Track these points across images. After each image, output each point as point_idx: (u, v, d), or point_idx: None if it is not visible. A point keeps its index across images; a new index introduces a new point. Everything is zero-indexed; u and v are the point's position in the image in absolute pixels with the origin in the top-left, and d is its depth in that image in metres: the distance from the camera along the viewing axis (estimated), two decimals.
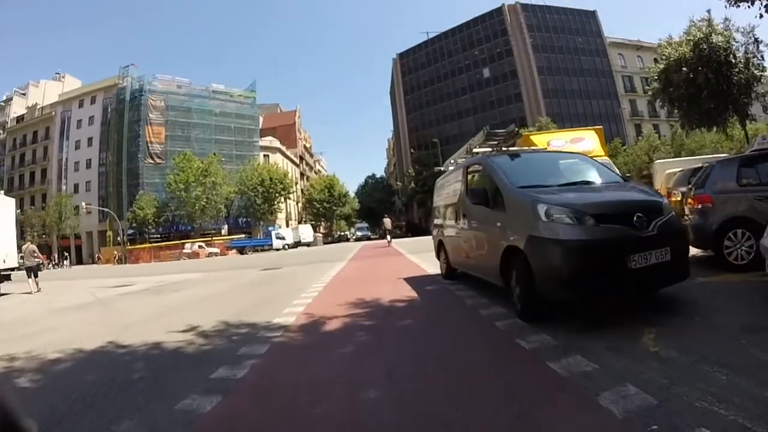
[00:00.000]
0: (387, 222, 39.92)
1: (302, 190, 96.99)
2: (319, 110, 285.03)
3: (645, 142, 67.52)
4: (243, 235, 62.92)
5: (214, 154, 68.54)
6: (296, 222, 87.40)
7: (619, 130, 77.56)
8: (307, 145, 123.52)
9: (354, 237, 76.18)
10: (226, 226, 70.25)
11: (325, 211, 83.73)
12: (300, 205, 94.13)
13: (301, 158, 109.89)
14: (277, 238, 56.33)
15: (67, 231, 74.25)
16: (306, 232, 66.52)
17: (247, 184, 68.52)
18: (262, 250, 55.46)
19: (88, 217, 74.78)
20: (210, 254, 57.41)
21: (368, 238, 65.01)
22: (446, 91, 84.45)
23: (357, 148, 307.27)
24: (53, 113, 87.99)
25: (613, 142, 68.08)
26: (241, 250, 54.37)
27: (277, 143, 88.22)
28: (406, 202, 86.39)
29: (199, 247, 59.14)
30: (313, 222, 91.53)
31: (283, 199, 73.93)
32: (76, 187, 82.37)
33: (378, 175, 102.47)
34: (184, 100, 79.19)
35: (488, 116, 77.73)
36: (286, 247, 56.50)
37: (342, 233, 78.74)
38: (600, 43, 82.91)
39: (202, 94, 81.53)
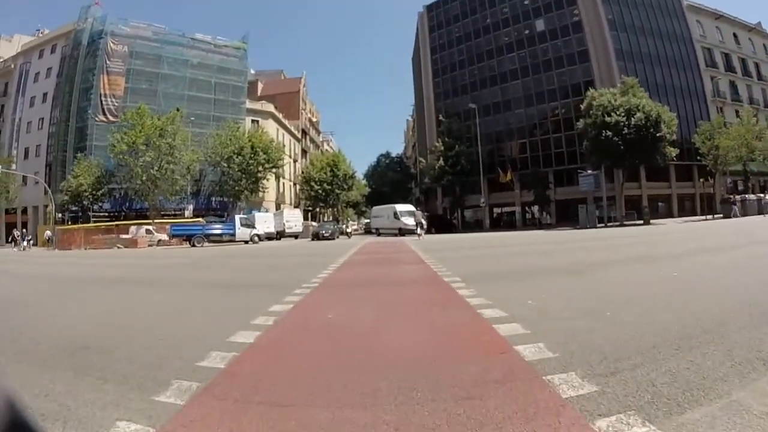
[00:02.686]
0: (418, 214, 37.63)
1: (303, 170, 79.75)
2: (332, 90, 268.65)
3: (746, 124, 50.62)
4: (202, 219, 46.15)
5: (177, 110, 51.90)
6: (293, 207, 70.55)
7: (701, 110, 60.89)
8: (314, 120, 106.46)
9: (375, 229, 51.81)
10: (191, 206, 53.39)
11: (326, 195, 66.55)
12: (298, 186, 76.92)
13: (305, 133, 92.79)
14: (243, 225, 39.17)
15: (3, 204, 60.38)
16: (293, 219, 49.39)
17: (221, 152, 51.81)
18: (221, 241, 38.80)
19: (35, 188, 60.24)
20: (158, 242, 41.92)
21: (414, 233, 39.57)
22: (485, 48, 66.39)
23: (371, 133, 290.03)
24: (12, 66, 73.81)
25: (712, 123, 52.06)
26: (190, 240, 37.63)
27: (270, 107, 71.06)
28: (427, 188, 68.46)
29: (147, 231, 43.95)
30: (311, 208, 74.52)
31: (269, 175, 57.17)
32: (26, 151, 68.59)
33: (394, 154, 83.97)
34: (154, 47, 62.91)
35: (542, 79, 60.52)
36: (257, 239, 39.49)
37: (325, 226, 49.20)
38: (677, 2, 65.27)
39: (178, 40, 64.79)
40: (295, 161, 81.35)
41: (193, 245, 36.59)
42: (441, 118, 63.70)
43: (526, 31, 63.10)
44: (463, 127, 60.93)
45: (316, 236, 42.24)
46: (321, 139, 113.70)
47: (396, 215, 45.89)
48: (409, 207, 48.81)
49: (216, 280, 11.90)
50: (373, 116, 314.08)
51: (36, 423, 0.90)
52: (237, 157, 51.08)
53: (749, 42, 72.63)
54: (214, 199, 58.59)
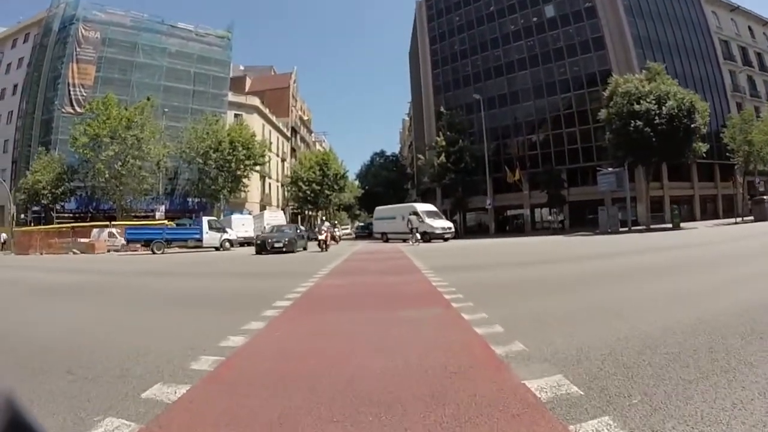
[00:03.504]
0: (413, 219, 33.78)
1: (291, 169, 73.96)
2: (325, 90, 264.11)
3: None
4: (168, 222, 40.37)
5: (148, 99, 46.67)
6: (279, 209, 65.03)
7: (722, 105, 55.93)
8: (305, 118, 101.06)
9: (382, 234, 42.24)
10: (163, 207, 47.70)
11: (315, 196, 60.84)
12: (287, 188, 70.99)
13: (294, 131, 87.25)
14: (212, 228, 33.47)
15: None
16: (276, 222, 42.71)
17: (197, 146, 46.43)
18: (186, 247, 33.41)
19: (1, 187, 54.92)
20: (120, 247, 36.59)
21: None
22: (489, 36, 60.63)
23: (365, 135, 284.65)
24: None
25: (743, 115, 47.77)
26: (148, 245, 32.10)
27: (256, 101, 65.57)
28: (425, 189, 62.49)
29: (110, 235, 39.11)
30: (299, 210, 69.06)
31: (251, 174, 51.76)
32: None
33: (389, 152, 75.14)
34: (130, 34, 57.61)
35: (552, 69, 54.85)
36: (228, 244, 33.84)
37: (283, 232, 35.84)
38: None
39: (156, 27, 59.38)
40: (283, 160, 75.83)
41: (153, 252, 31.09)
42: (442, 109, 57.62)
43: (534, 18, 57.26)
44: (466, 122, 55.50)
45: (263, 248, 25.91)
46: (313, 139, 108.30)
47: (417, 216, 36.86)
48: (430, 206, 41.03)
49: None
50: (368, 118, 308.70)
51: (36, 423, 0.90)
52: (214, 153, 45.67)
53: (764, 36, 68.21)
54: (191, 199, 53.06)
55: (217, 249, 32.85)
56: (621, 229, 38.53)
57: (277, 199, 70.81)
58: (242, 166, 47.84)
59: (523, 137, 56.82)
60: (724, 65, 59.89)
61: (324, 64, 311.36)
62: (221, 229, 34.03)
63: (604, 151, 43.64)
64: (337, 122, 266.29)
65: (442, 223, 36.83)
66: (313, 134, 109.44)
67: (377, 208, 47.40)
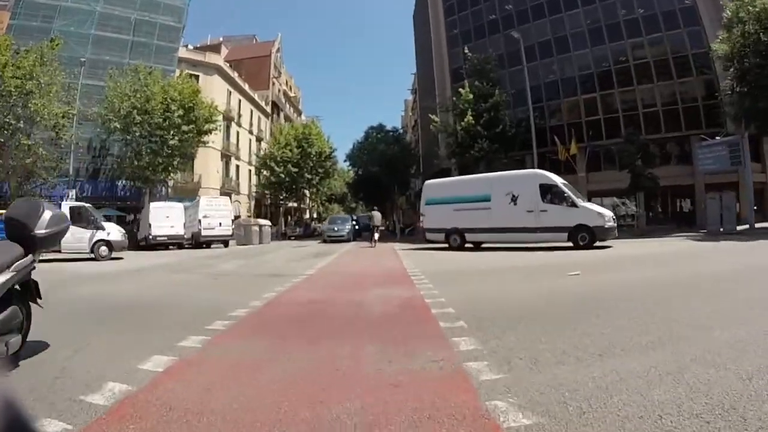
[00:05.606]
0: (377, 216, 27.82)
1: (267, 149, 59.71)
2: (319, 79, 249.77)
3: None
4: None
5: (52, 40, 32.77)
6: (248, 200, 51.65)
7: None
8: (291, 95, 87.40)
9: (454, 234, 21.76)
10: (73, 192, 33.70)
11: (292, 181, 47.09)
12: (263, 173, 56.60)
13: (276, 107, 73.60)
14: (80, 222, 19.07)
15: None
16: (217, 213, 29.47)
17: (117, 108, 32.75)
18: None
19: None
20: None
21: None
22: None
23: (362, 124, 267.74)
24: None
25: None
26: None
27: (218, 60, 51.73)
28: (437, 171, 46.20)
29: None
30: (271, 200, 55.15)
31: (196, 145, 37.59)
32: None
33: (389, 127, 57.23)
34: None
35: (615, 5, 39.91)
36: (105, 250, 19.35)
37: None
38: None
39: None
40: (259, 140, 61.77)
41: None
42: (466, 51, 41.00)
43: None
44: (501, 77, 40.06)
45: None
46: (303, 121, 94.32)
47: (557, 194, 19.76)
48: (561, 179, 21.40)
49: None
50: (367, 104, 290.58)
51: (34, 422, 0.85)
52: (139, 115, 31.95)
53: None
54: (121, 182, 39.65)
55: (94, 260, 19.06)
56: (738, 228, 25.19)
57: (249, 186, 56.87)
58: (180, 135, 33.76)
59: (579, 97, 41.55)
60: None
61: (319, 45, 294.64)
62: (92, 224, 19.70)
63: (695, 115, 30.69)
64: (331, 107, 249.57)
65: (603, 210, 20.32)
66: (302, 116, 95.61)
67: (428, 182, 25.80)
